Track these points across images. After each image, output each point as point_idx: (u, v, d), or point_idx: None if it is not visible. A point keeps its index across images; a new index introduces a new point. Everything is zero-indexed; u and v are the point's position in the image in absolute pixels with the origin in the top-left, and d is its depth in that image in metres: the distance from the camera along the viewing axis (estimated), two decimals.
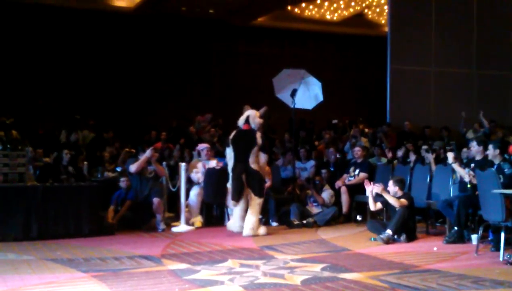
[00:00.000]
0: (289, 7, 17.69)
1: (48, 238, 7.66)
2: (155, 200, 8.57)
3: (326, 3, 17.50)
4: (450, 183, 8.19)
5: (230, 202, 8.39)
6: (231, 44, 18.38)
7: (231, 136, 8.41)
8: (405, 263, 6.16)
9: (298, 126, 13.32)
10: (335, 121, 14.22)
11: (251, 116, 8.34)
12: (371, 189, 7.80)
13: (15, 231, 7.64)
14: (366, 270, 5.77)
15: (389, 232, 7.42)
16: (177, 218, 9.12)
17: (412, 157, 9.89)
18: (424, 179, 8.70)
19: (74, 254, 6.73)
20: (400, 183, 7.89)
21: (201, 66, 17.88)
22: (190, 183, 9.40)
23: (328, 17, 18.10)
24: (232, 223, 8.40)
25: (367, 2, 17.36)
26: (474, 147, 7.61)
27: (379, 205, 7.92)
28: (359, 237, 8.01)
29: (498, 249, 6.41)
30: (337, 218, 9.34)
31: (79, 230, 7.98)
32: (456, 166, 7.58)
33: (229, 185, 8.41)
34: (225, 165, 8.77)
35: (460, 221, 7.24)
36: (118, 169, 10.38)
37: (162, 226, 8.67)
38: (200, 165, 9.44)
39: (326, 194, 9.39)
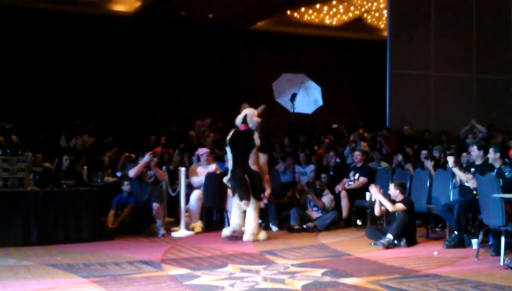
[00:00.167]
0: (288, 12, 17.71)
1: (48, 243, 7.65)
2: (155, 205, 8.56)
3: (325, 8, 17.52)
4: (450, 187, 8.19)
5: (242, 204, 7.98)
6: (231, 48, 18.40)
7: (228, 136, 8.29)
8: (406, 268, 6.15)
9: (297, 130, 13.32)
10: (335, 125, 14.22)
11: (249, 115, 8.16)
12: (374, 192, 7.79)
13: (15, 236, 7.63)
14: (367, 275, 5.76)
15: (389, 236, 7.41)
16: (177, 223, 9.11)
17: (409, 166, 9.89)
18: (424, 183, 8.70)
19: (74, 259, 6.72)
20: (401, 187, 7.89)
21: (201, 70, 17.90)
22: (190, 187, 9.40)
23: (327, 21, 18.12)
24: (228, 228, 8.26)
25: (366, 7, 17.38)
26: (475, 151, 7.62)
27: (384, 209, 7.89)
28: (359, 242, 8.00)
29: (498, 254, 6.41)
30: (337, 223, 9.33)
31: (79, 235, 7.96)
32: (456, 170, 7.58)
33: (227, 183, 8.22)
34: (226, 170, 8.76)
35: (460, 225, 7.24)
36: (118, 174, 10.38)
37: (162, 231, 8.66)
38: (199, 170, 9.43)
39: (327, 199, 9.39)
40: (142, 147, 11.25)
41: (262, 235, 8.15)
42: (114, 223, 8.63)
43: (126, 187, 8.89)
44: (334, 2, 17.23)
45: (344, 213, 9.49)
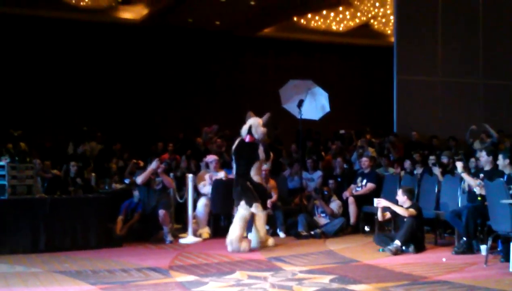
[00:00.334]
0: (295, 18, 17.74)
1: (56, 250, 7.68)
2: (161, 212, 8.56)
3: (332, 14, 17.53)
4: (459, 193, 8.14)
5: (253, 208, 7.83)
6: (238, 55, 18.44)
7: (234, 146, 8.21)
8: (414, 274, 6.13)
9: (304, 136, 13.32)
10: (342, 131, 14.21)
11: (254, 126, 8.03)
12: (381, 205, 7.80)
13: (23, 243, 7.66)
14: (375, 281, 5.74)
15: (397, 242, 7.39)
16: (184, 230, 9.12)
17: (419, 170, 9.86)
18: (432, 189, 8.67)
19: (82, 266, 6.73)
20: (409, 193, 7.87)
21: (207, 77, 17.94)
22: (197, 194, 9.41)
23: (334, 27, 18.12)
24: (231, 241, 7.84)
25: (373, 13, 17.37)
26: (484, 157, 7.59)
27: (388, 215, 7.90)
28: (367, 248, 7.98)
29: (507, 260, 6.38)
30: (345, 229, 9.30)
31: (87, 242, 7.99)
32: (465, 176, 7.55)
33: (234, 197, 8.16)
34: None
35: (469, 231, 7.20)
36: (126, 181, 10.41)
37: (169, 237, 8.66)
38: (207, 177, 9.43)
39: (335, 205, 9.37)
40: (149, 154, 11.27)
41: (271, 241, 8.14)
42: (122, 229, 8.65)
43: (137, 192, 8.91)
44: (340, 8, 17.24)
45: (352, 219, 9.47)
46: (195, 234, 8.91)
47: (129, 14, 16.82)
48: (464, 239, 7.27)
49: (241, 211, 7.87)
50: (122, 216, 8.82)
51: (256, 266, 6.70)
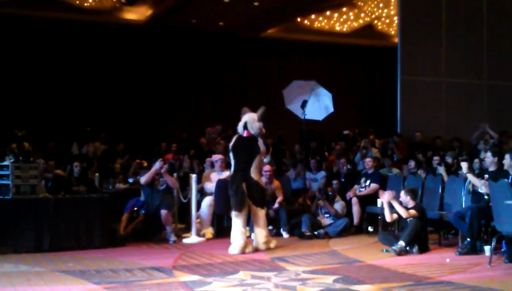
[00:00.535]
0: (298, 19, 17.75)
1: (60, 249, 7.68)
2: (163, 212, 8.56)
3: (336, 15, 17.54)
4: (463, 193, 8.13)
5: (232, 213, 7.84)
6: (241, 56, 18.47)
7: (231, 143, 8.11)
8: (418, 275, 6.12)
9: (308, 137, 13.32)
10: (346, 132, 14.19)
11: (249, 122, 7.93)
12: (386, 199, 7.75)
13: (27, 242, 7.68)
14: (379, 282, 5.73)
15: (401, 243, 7.38)
16: (188, 229, 9.12)
17: (422, 172, 9.84)
18: (436, 189, 8.65)
19: (86, 265, 6.74)
20: (412, 193, 7.86)
21: (211, 78, 17.97)
22: (201, 194, 9.40)
23: (337, 28, 18.13)
24: (234, 247, 7.77)
25: (376, 14, 17.38)
26: (489, 158, 7.57)
27: (395, 216, 7.85)
28: (371, 248, 7.97)
29: (511, 261, 6.35)
30: (349, 229, 9.29)
31: (90, 241, 8.00)
32: (470, 176, 7.53)
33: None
34: None
35: (472, 232, 7.19)
36: (130, 180, 10.43)
37: (173, 237, 8.67)
38: (213, 176, 9.43)
39: (338, 205, 9.36)
40: (153, 154, 11.29)
41: (273, 243, 8.08)
42: (126, 227, 8.67)
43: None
44: (344, 9, 17.26)
45: (356, 220, 9.45)
46: (198, 234, 8.92)
47: (133, 15, 16.86)
48: (468, 239, 7.26)
49: (234, 219, 7.79)
50: (127, 214, 8.83)
51: (260, 266, 6.70)
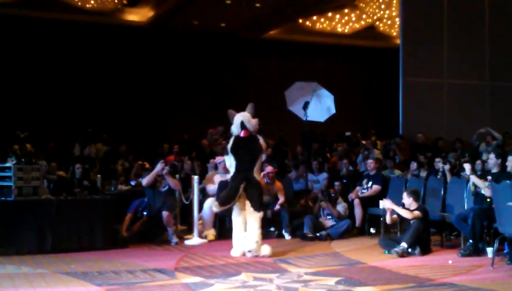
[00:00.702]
0: (300, 20, 17.75)
1: (62, 251, 7.68)
2: (164, 214, 8.56)
3: (338, 16, 17.54)
4: (465, 195, 8.12)
5: (213, 204, 7.73)
6: (243, 57, 18.47)
7: (229, 145, 7.91)
8: (420, 277, 6.11)
9: (309, 138, 13.30)
10: (348, 133, 14.18)
11: (245, 120, 7.79)
12: (387, 207, 7.78)
13: (29, 244, 7.67)
14: (381, 283, 5.73)
15: (403, 245, 7.37)
16: (190, 231, 9.12)
17: (423, 173, 9.82)
18: (438, 191, 8.64)
19: (88, 267, 6.74)
20: (414, 195, 7.85)
21: (212, 79, 17.97)
22: (203, 195, 9.40)
23: (339, 29, 18.12)
24: (236, 250, 7.67)
25: (378, 15, 17.36)
26: (492, 159, 7.58)
27: (396, 218, 7.86)
28: (373, 250, 7.96)
29: None
30: (351, 231, 9.29)
31: (92, 243, 8.00)
32: (474, 177, 7.52)
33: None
34: None
35: (475, 233, 7.18)
36: (132, 182, 10.43)
37: (174, 239, 8.66)
38: (216, 178, 9.42)
39: (341, 207, 9.35)
40: (155, 155, 11.29)
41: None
42: (129, 228, 8.67)
43: None
44: (346, 11, 17.24)
45: (358, 221, 9.45)
46: (200, 235, 8.92)
47: (135, 16, 16.88)
48: (471, 241, 7.25)
49: (235, 221, 7.74)
50: (131, 214, 8.82)
51: (262, 267, 6.69)
